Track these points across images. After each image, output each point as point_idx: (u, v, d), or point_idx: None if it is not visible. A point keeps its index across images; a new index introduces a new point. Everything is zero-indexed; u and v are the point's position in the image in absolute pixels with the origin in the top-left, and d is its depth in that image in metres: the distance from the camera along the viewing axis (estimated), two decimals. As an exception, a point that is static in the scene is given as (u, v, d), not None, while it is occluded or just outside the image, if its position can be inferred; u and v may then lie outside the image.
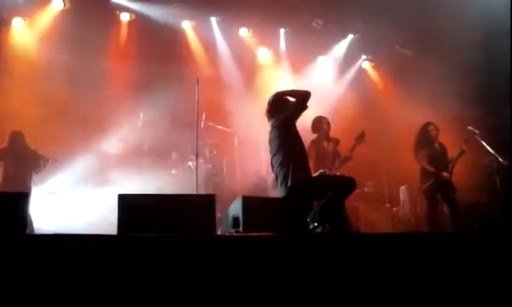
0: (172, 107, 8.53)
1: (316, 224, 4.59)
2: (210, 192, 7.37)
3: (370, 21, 8.62)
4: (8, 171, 6.84)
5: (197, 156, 6.03)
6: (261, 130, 5.33)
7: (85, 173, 7.73)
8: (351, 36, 9.45)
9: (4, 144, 6.93)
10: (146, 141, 8.43)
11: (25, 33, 8.24)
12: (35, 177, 7.05)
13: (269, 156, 5.06)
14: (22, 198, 4.02)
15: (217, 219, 4.30)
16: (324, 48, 9.47)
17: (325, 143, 6.81)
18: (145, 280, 3.42)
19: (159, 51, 9.02)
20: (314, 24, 8.92)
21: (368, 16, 8.52)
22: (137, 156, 8.26)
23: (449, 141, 6.99)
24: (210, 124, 8.21)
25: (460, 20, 7.31)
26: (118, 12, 8.62)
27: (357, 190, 6.14)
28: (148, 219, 3.98)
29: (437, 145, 6.84)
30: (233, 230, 4.42)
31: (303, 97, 4.93)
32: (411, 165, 7.08)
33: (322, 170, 5.45)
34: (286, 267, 3.61)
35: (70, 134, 7.92)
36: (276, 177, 4.91)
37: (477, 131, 6.77)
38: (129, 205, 4.05)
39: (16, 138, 6.94)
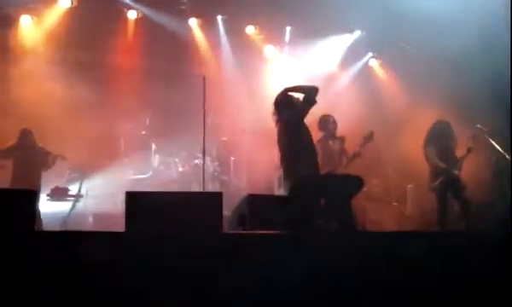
0: (179, 105, 8.56)
1: (323, 222, 4.59)
2: (217, 190, 7.39)
3: (377, 19, 8.60)
4: (17, 169, 6.89)
5: (204, 154, 6.04)
6: (268, 127, 5.31)
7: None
8: (357, 33, 9.43)
9: (13, 142, 6.98)
10: (153, 138, 8.47)
11: (32, 31, 8.29)
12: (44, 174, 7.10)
13: (277, 153, 5.06)
14: (31, 195, 4.05)
15: (223, 217, 4.31)
16: (331, 46, 9.44)
17: (331, 142, 6.79)
18: (152, 277, 3.44)
19: (166, 49, 9.05)
20: (320, 22, 8.91)
21: (374, 13, 8.50)
22: (145, 153, 8.31)
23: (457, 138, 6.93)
24: (217, 121, 8.22)
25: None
26: (125, 10, 8.64)
27: (365, 189, 6.13)
28: (155, 216, 3.99)
29: (445, 142, 6.79)
30: (239, 228, 4.43)
31: (311, 93, 4.90)
32: (418, 164, 7.05)
33: (329, 170, 5.43)
34: (292, 264, 3.61)
35: (77, 131, 7.98)
36: (284, 174, 4.91)
37: (485, 129, 6.72)
38: (136, 203, 4.07)
39: (25, 135, 6.98)
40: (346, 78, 9.51)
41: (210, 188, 7.28)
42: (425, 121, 7.08)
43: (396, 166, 8.27)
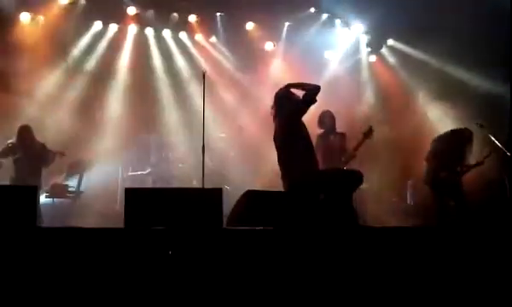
0: (180, 101, 8.57)
1: (323, 217, 4.60)
2: (216, 186, 7.39)
3: (376, 14, 8.61)
4: (17, 166, 6.90)
5: (203, 150, 6.04)
6: (267, 123, 5.31)
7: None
8: (357, 29, 9.42)
9: (13, 140, 6.98)
10: (154, 134, 8.48)
11: (32, 28, 8.27)
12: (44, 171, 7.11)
13: (275, 150, 5.05)
14: (31, 191, 4.06)
15: (223, 213, 4.32)
16: (330, 41, 9.43)
17: (331, 137, 6.79)
18: (152, 273, 3.45)
19: (165, 45, 9.06)
20: (320, 17, 8.91)
21: (374, 9, 8.51)
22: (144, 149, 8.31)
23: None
24: (217, 117, 8.23)
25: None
26: (124, 6, 8.64)
27: (364, 184, 6.13)
28: (155, 213, 4.00)
29: (456, 147, 6.71)
30: (239, 224, 4.44)
31: (313, 91, 4.91)
32: (419, 159, 7.06)
33: (329, 166, 5.43)
34: (292, 260, 3.62)
35: (77, 127, 7.99)
36: (282, 170, 4.91)
37: (484, 125, 6.72)
38: (135, 199, 4.07)
39: (24, 133, 6.98)
40: (346, 74, 9.49)
41: (209, 184, 7.27)
42: (425, 116, 7.09)
43: (396, 161, 8.27)
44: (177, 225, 3.82)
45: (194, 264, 3.51)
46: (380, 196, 8.06)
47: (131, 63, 8.75)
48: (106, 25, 8.72)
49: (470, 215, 6.37)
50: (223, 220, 4.20)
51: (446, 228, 5.29)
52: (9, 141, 6.98)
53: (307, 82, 5.08)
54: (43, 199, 7.09)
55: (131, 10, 8.67)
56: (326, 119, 6.73)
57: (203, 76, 6.14)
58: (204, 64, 8.75)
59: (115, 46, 8.74)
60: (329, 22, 9.21)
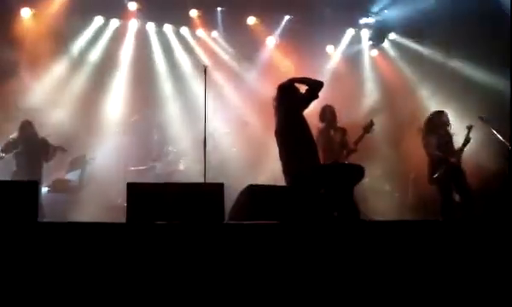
0: (181, 95, 8.56)
1: (325, 212, 4.60)
2: (218, 180, 7.38)
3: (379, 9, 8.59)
4: (19, 161, 6.91)
5: (205, 144, 6.04)
6: (269, 118, 5.30)
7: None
8: (359, 24, 9.39)
9: (15, 134, 6.99)
10: (155, 129, 8.48)
11: (33, 23, 8.26)
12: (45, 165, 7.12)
13: (277, 144, 5.05)
14: (32, 186, 4.06)
15: (225, 207, 4.31)
16: (332, 36, 9.40)
17: (332, 132, 6.80)
18: (154, 268, 3.45)
19: (166, 40, 9.04)
20: (322, 12, 8.87)
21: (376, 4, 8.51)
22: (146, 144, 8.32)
23: (456, 128, 6.92)
24: (219, 112, 8.22)
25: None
26: (126, 0, 8.61)
27: (366, 179, 6.13)
28: (157, 207, 4.00)
29: (444, 133, 6.77)
30: (241, 219, 4.43)
31: (315, 87, 4.90)
32: (420, 153, 7.04)
33: (330, 161, 5.42)
34: (294, 255, 3.62)
35: (78, 122, 8.00)
36: (284, 165, 4.91)
37: (488, 119, 6.71)
38: (138, 194, 4.07)
39: (26, 127, 7.00)
40: (347, 67, 9.46)
41: (211, 178, 7.27)
42: (426, 110, 7.08)
43: (397, 156, 8.26)
44: (178, 220, 3.82)
45: (196, 259, 3.51)
46: (381, 191, 8.06)
47: (132, 58, 8.74)
48: (107, 19, 8.69)
49: (474, 208, 6.37)
50: (224, 215, 4.20)
51: (451, 222, 5.27)
52: (11, 136, 7.00)
53: (310, 77, 5.07)
54: (44, 193, 7.10)
55: (132, 5, 8.65)
56: (327, 114, 6.75)
57: (204, 71, 6.13)
58: (205, 58, 8.73)
59: (116, 41, 8.72)
60: (331, 16, 9.16)
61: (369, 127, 6.68)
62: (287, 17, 9.16)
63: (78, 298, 3.33)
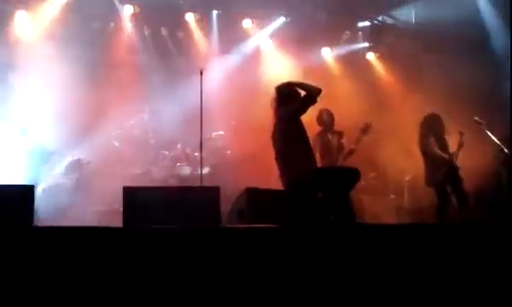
0: (177, 99, 8.54)
1: (322, 215, 4.60)
2: (214, 184, 7.36)
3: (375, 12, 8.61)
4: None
5: (201, 148, 6.03)
6: (266, 121, 5.30)
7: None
8: (354, 26, 9.41)
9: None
10: (151, 133, 8.46)
11: (28, 26, 8.24)
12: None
13: (273, 147, 5.05)
14: (28, 190, 4.04)
15: (221, 211, 4.31)
16: (328, 38, 9.42)
17: (329, 136, 6.83)
18: (150, 273, 3.44)
19: (162, 43, 9.03)
20: (318, 15, 8.89)
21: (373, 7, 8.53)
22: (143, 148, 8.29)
23: (451, 131, 6.93)
24: (215, 115, 8.21)
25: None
26: (121, 4, 8.60)
27: (362, 182, 6.13)
28: (153, 211, 3.99)
29: (440, 135, 6.77)
30: (238, 222, 4.43)
31: (313, 93, 4.92)
32: (416, 156, 7.05)
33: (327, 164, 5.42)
34: (291, 258, 3.62)
35: (74, 126, 7.97)
36: (281, 169, 4.91)
37: (483, 122, 6.72)
38: (134, 198, 4.07)
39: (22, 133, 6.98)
40: (344, 71, 9.48)
41: (207, 182, 7.26)
42: (422, 113, 7.08)
43: (393, 159, 8.27)
44: (175, 224, 3.82)
45: (193, 263, 3.50)
46: (377, 194, 8.07)
47: (129, 62, 8.72)
48: (103, 23, 8.68)
49: (471, 212, 6.37)
50: (220, 218, 4.20)
51: (446, 226, 5.28)
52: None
53: (308, 82, 5.08)
54: (41, 196, 7.07)
55: (128, 9, 8.64)
56: (324, 117, 6.79)
57: (200, 74, 6.13)
58: (201, 62, 8.72)
59: (112, 45, 8.71)
60: (328, 19, 9.18)
61: (365, 129, 6.71)
62: (282, 19, 9.17)
63: (75, 302, 3.31)
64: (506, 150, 6.65)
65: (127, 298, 3.38)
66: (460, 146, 6.56)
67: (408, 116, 8.10)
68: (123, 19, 8.70)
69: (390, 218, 7.56)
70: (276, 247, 3.64)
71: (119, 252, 3.46)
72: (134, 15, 8.69)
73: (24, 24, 8.20)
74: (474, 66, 7.81)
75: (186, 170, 8.05)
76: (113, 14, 8.64)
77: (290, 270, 3.58)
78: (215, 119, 8.31)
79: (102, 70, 8.56)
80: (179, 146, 8.35)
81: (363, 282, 3.63)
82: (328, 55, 9.54)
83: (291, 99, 4.95)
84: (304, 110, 4.95)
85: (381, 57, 9.62)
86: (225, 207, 4.71)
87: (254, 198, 4.50)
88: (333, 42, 9.48)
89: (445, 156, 6.52)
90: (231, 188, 5.45)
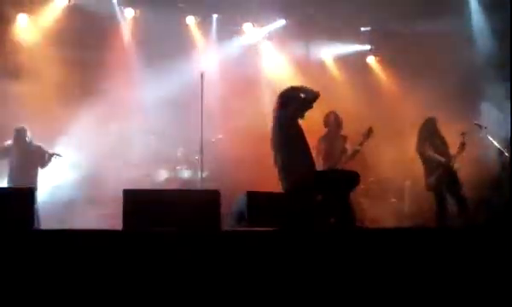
0: (177, 102, 8.54)
1: (322, 218, 4.60)
2: (215, 187, 7.37)
3: (375, 15, 8.62)
4: (13, 168, 6.89)
5: (201, 151, 6.04)
6: (265, 124, 5.31)
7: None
8: (355, 30, 9.42)
9: (9, 141, 6.97)
10: (152, 136, 8.46)
11: (29, 30, 8.25)
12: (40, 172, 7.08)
13: (272, 150, 5.05)
14: (28, 193, 4.04)
15: (222, 214, 4.31)
16: (327, 41, 9.44)
17: (334, 140, 6.85)
18: (150, 276, 3.43)
19: (163, 47, 9.04)
20: (318, 18, 8.91)
21: (373, 9, 8.54)
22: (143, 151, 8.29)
23: (450, 135, 6.94)
24: (215, 118, 8.22)
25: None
26: (122, 7, 8.62)
27: (362, 186, 6.14)
28: (153, 214, 3.99)
29: (439, 140, 6.78)
30: (238, 225, 4.43)
31: (311, 97, 4.95)
32: (416, 160, 7.06)
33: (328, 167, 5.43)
34: (291, 262, 3.62)
35: (74, 128, 7.97)
36: (280, 172, 4.92)
37: (484, 125, 6.74)
38: (134, 201, 4.07)
39: (20, 134, 6.97)
40: (344, 75, 9.49)
41: (208, 185, 7.26)
42: (422, 117, 7.10)
43: (393, 163, 8.27)
44: (175, 227, 3.82)
45: (193, 266, 3.50)
46: (377, 197, 8.06)
47: (129, 64, 8.73)
48: (104, 26, 8.69)
49: (470, 215, 6.38)
50: (220, 222, 4.19)
51: (446, 230, 5.29)
52: (6, 143, 6.98)
53: (308, 86, 5.11)
54: (41, 199, 7.05)
55: (129, 13, 8.66)
56: (332, 120, 6.81)
57: (201, 77, 6.14)
58: (202, 65, 8.73)
59: (113, 47, 8.72)
60: (327, 23, 9.20)
61: (368, 134, 6.71)
62: (282, 22, 9.18)
63: (75, 305, 3.31)
64: (506, 153, 6.65)
65: (127, 301, 3.38)
66: (462, 146, 6.58)
67: (409, 119, 8.11)
68: (124, 22, 8.71)
69: (390, 222, 7.55)
70: (276, 250, 3.64)
71: (119, 255, 3.46)
72: (135, 19, 8.70)
73: (25, 27, 8.21)
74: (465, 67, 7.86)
75: (186, 174, 8.05)
76: (115, 18, 8.66)
77: (290, 273, 3.58)
78: (215, 123, 8.32)
79: (102, 71, 8.56)
80: (179, 149, 8.35)
81: (363, 286, 3.63)
82: (328, 57, 9.55)
83: (290, 102, 4.97)
84: (300, 112, 4.97)
85: (382, 61, 9.63)
86: (225, 210, 4.72)
87: (254, 201, 4.50)
88: (333, 44, 9.50)
89: (441, 159, 6.55)
90: (230, 191, 5.45)
